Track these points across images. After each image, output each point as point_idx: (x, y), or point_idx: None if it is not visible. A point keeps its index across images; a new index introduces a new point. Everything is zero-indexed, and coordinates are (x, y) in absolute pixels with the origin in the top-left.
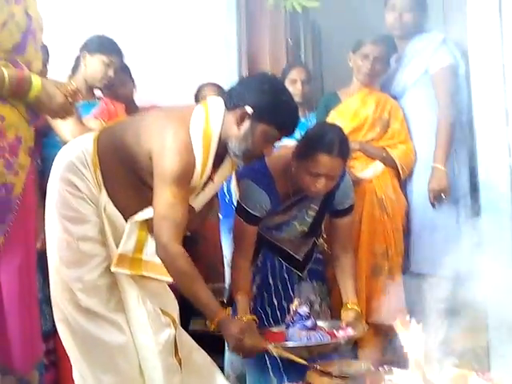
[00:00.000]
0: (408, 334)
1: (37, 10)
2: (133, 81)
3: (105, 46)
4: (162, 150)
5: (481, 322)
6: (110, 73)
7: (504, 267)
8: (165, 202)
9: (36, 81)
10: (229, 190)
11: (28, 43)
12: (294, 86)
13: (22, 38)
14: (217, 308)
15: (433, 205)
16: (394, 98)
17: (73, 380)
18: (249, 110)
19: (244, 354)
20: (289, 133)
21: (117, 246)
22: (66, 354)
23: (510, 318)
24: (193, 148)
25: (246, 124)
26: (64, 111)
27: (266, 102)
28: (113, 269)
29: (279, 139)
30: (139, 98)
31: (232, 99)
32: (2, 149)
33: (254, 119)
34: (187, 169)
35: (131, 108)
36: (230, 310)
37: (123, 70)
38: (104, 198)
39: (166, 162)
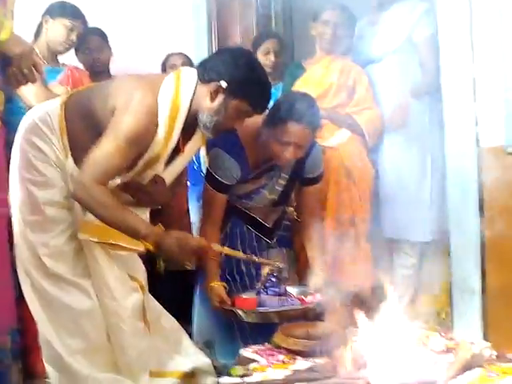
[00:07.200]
0: None
1: None
2: (110, 48)
3: (67, 10)
4: (125, 108)
5: (445, 285)
6: (72, 37)
7: (467, 230)
8: (105, 151)
9: (8, 22)
10: (197, 158)
11: None
12: (267, 57)
13: None
14: (150, 227)
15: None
16: (371, 62)
17: (39, 346)
18: (223, 84)
19: (192, 256)
20: (261, 109)
21: (83, 212)
22: (33, 320)
23: (471, 280)
24: (157, 114)
25: (220, 98)
26: (27, 59)
27: (241, 78)
28: (80, 236)
29: (251, 115)
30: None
31: (206, 72)
32: None
33: (228, 94)
34: (143, 133)
35: (105, 75)
36: (161, 225)
37: (101, 36)
38: (71, 165)
39: (124, 119)
